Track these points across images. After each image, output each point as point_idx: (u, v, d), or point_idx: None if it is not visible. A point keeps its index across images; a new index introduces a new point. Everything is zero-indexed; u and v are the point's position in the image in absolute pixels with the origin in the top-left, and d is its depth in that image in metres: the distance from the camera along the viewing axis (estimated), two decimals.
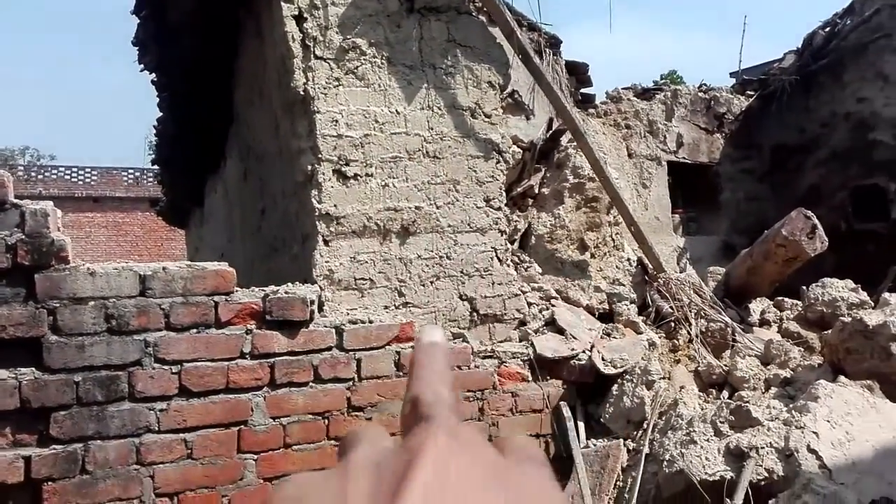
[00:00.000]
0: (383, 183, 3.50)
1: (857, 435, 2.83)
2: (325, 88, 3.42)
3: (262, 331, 2.87)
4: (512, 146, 4.28)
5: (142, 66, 5.28)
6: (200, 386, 2.76)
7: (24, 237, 2.55)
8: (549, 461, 0.36)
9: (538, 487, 0.32)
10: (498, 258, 3.76)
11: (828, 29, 7.76)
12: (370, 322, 3.14)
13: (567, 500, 3.06)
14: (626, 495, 3.07)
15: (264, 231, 4.68)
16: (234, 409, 2.81)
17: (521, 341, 3.67)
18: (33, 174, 22.34)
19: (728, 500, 2.67)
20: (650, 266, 4.55)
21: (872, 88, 7.24)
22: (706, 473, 2.80)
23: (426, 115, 3.66)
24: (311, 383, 2.96)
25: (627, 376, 3.50)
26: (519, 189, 4.65)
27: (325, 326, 3.03)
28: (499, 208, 3.80)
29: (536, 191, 4.71)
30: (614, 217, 4.69)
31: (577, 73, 6.15)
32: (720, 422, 2.98)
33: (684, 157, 7.24)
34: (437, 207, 3.62)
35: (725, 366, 3.78)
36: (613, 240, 4.68)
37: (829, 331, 3.70)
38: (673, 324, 4.13)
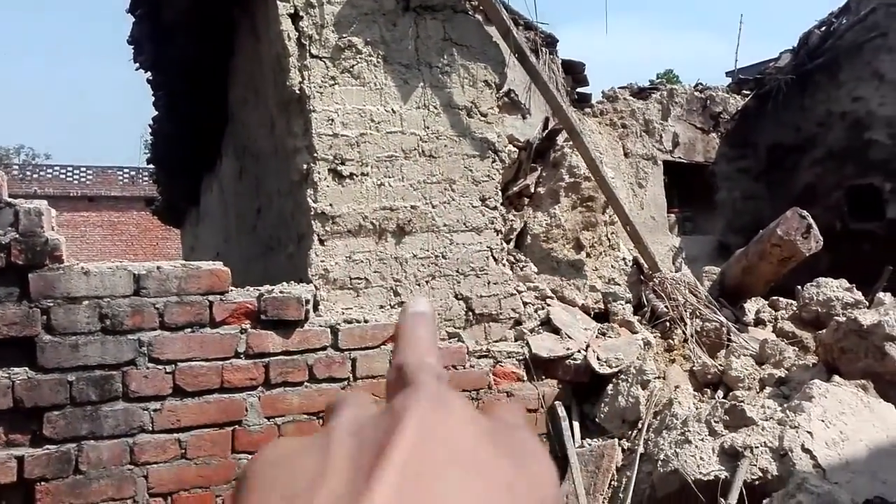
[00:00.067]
0: (379, 182, 3.49)
1: (851, 434, 2.84)
2: (320, 87, 3.41)
3: (256, 330, 2.87)
4: (508, 145, 4.28)
5: (137, 65, 5.27)
6: (195, 386, 2.75)
7: (17, 236, 2.54)
8: None
9: (530, 448, 0.32)
10: (493, 258, 3.76)
11: (823, 28, 7.78)
12: (365, 322, 3.14)
13: (561, 498, 3.05)
14: (620, 495, 3.08)
15: (260, 230, 4.67)
16: (228, 409, 2.81)
17: (516, 341, 3.67)
18: (28, 173, 22.27)
19: (722, 499, 2.67)
20: (646, 266, 4.55)
21: (868, 88, 7.26)
22: (701, 473, 2.81)
23: (422, 114, 3.65)
24: (306, 383, 2.96)
25: (622, 376, 3.50)
26: (515, 188, 4.65)
27: (321, 326, 3.03)
28: (494, 208, 3.80)
29: (532, 190, 4.71)
30: (610, 216, 4.69)
31: (574, 72, 6.15)
32: (715, 421, 2.99)
33: (680, 157, 7.25)
34: (433, 207, 3.62)
35: (720, 365, 3.79)
36: (609, 239, 4.68)
37: (824, 330, 3.71)
38: (668, 323, 4.13)
